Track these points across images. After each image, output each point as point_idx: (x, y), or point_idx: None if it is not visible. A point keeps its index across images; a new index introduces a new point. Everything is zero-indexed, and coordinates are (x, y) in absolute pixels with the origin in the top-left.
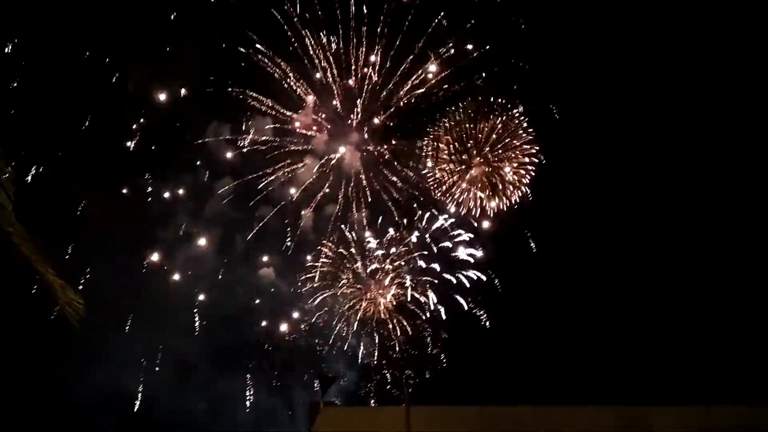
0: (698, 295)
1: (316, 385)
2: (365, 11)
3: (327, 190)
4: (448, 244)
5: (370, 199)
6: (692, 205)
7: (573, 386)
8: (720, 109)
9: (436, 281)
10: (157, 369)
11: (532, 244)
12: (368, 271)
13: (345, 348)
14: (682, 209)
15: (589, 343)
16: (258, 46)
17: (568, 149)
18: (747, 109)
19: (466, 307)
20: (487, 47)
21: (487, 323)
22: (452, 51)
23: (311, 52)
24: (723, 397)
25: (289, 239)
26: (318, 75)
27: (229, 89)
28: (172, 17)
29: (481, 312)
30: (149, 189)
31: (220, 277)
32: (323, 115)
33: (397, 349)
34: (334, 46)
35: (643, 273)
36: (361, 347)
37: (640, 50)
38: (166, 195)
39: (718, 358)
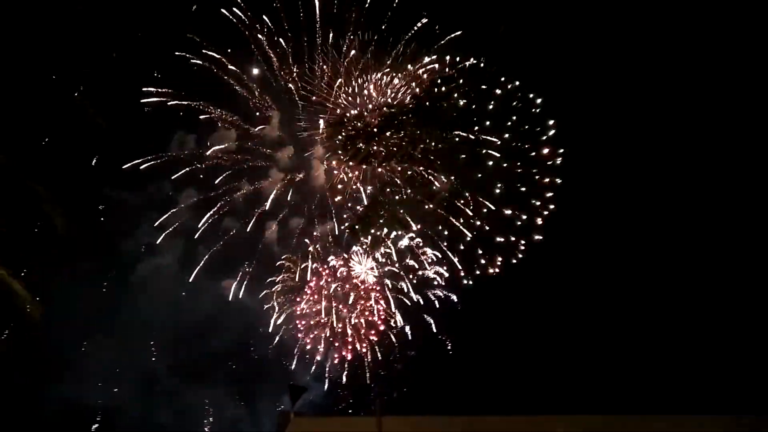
0: (672, 303)
1: (278, 405)
2: (331, 35)
3: (292, 204)
4: (413, 262)
5: (335, 214)
6: (654, 217)
7: (548, 397)
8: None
9: (405, 299)
10: (121, 384)
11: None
12: (333, 287)
13: (313, 362)
14: (645, 224)
15: (565, 352)
16: (224, 61)
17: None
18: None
19: (434, 328)
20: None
21: (449, 345)
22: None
23: (277, 70)
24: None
25: (247, 262)
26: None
27: (194, 103)
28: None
29: (446, 337)
30: (105, 204)
31: (183, 292)
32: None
33: (366, 364)
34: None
35: (616, 281)
36: (328, 361)
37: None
38: (129, 207)
39: (692, 370)
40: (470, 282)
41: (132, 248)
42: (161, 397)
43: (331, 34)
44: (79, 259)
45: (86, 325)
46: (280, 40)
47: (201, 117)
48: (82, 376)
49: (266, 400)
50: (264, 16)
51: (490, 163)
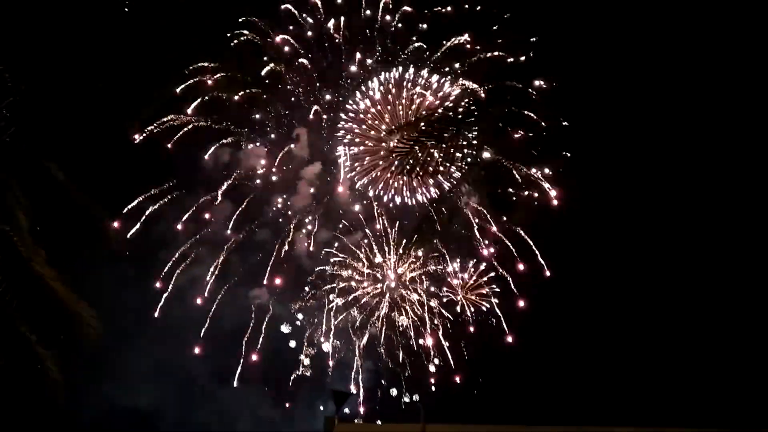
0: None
1: (321, 407)
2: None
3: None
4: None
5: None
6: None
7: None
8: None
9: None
10: (164, 384)
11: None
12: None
13: (354, 370)
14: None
15: (604, 365)
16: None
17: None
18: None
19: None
20: None
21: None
22: None
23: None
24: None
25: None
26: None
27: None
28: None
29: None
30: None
31: (221, 296)
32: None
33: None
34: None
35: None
36: (362, 374)
37: None
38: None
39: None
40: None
41: (170, 258)
42: (199, 401)
43: (358, 55)
44: (122, 267)
45: (128, 331)
46: (304, 61)
47: (228, 139)
48: (123, 379)
49: (301, 405)
50: (288, 37)
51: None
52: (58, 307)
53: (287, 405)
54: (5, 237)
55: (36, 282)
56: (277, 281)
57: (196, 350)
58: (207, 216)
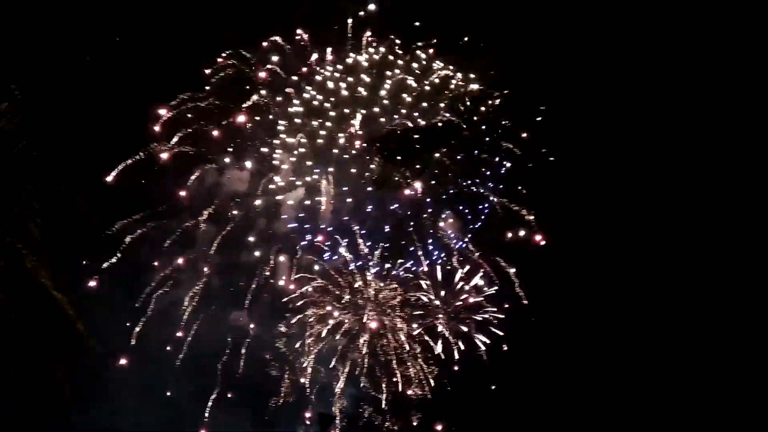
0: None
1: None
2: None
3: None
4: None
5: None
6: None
7: None
8: None
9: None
10: (146, 409)
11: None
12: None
13: (336, 396)
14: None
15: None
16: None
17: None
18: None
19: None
20: None
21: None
22: None
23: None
24: None
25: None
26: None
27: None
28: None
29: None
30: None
31: (200, 321)
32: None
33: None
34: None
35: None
36: (340, 398)
37: None
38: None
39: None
40: None
41: (152, 281)
42: (180, 423)
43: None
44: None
45: (109, 354)
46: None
47: (212, 165)
48: (108, 405)
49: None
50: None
51: None
52: (61, 319)
53: None
54: (14, 249)
55: (40, 293)
56: (258, 308)
57: (169, 392)
58: (188, 250)
